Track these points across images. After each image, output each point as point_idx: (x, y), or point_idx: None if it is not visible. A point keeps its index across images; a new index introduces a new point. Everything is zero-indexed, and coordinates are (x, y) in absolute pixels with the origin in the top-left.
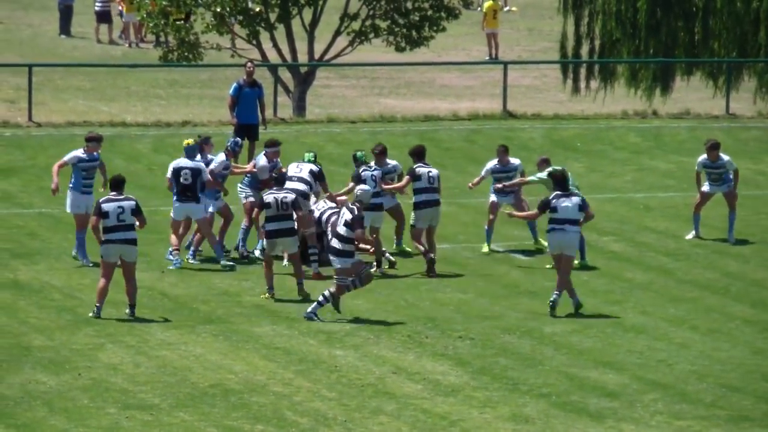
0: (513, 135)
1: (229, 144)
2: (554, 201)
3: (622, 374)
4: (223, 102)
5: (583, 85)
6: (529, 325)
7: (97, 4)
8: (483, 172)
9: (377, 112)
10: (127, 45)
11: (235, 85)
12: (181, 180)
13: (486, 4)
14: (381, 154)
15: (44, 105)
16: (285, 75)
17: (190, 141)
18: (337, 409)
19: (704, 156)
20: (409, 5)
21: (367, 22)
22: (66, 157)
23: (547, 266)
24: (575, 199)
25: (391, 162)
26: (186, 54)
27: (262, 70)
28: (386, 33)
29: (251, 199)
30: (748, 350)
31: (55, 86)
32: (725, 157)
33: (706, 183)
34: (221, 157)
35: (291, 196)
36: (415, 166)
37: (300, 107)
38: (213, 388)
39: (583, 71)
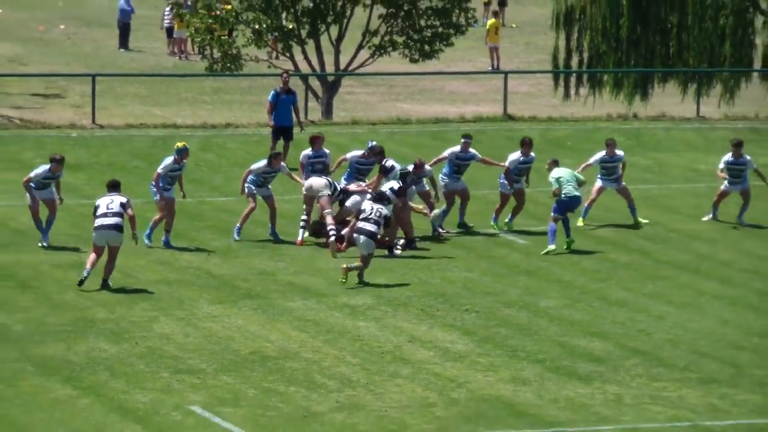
0: (512, 135)
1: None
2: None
3: (607, 342)
4: (260, 107)
5: (573, 91)
6: (526, 300)
7: (165, 21)
8: (508, 163)
9: (394, 116)
10: (177, 57)
11: (273, 92)
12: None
13: (489, 22)
14: (417, 167)
15: (106, 110)
16: (314, 83)
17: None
18: (360, 372)
19: (729, 154)
20: (422, 23)
21: (386, 38)
22: (32, 173)
23: (543, 252)
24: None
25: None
26: (229, 65)
27: (294, 79)
28: (402, 47)
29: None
30: (717, 321)
31: (115, 93)
32: (747, 156)
33: (725, 182)
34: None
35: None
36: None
37: (327, 111)
38: (252, 355)
39: (573, 80)
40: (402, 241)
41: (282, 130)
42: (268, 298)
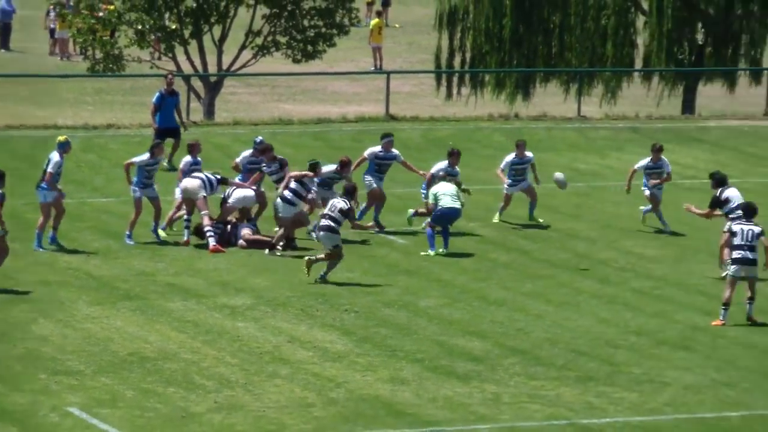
0: (394, 135)
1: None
2: None
3: (485, 341)
4: (143, 107)
5: (455, 91)
6: (406, 299)
7: (49, 22)
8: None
9: (276, 116)
10: (59, 58)
11: (158, 94)
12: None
13: (372, 22)
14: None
15: None
16: (197, 84)
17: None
18: (239, 373)
19: (648, 159)
20: (305, 23)
21: (269, 38)
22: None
23: (422, 253)
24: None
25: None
26: (111, 66)
27: (177, 79)
28: (285, 47)
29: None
30: (594, 319)
31: None
32: (665, 159)
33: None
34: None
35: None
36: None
37: (210, 112)
38: (131, 356)
39: (455, 80)
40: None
41: (168, 132)
42: (148, 299)
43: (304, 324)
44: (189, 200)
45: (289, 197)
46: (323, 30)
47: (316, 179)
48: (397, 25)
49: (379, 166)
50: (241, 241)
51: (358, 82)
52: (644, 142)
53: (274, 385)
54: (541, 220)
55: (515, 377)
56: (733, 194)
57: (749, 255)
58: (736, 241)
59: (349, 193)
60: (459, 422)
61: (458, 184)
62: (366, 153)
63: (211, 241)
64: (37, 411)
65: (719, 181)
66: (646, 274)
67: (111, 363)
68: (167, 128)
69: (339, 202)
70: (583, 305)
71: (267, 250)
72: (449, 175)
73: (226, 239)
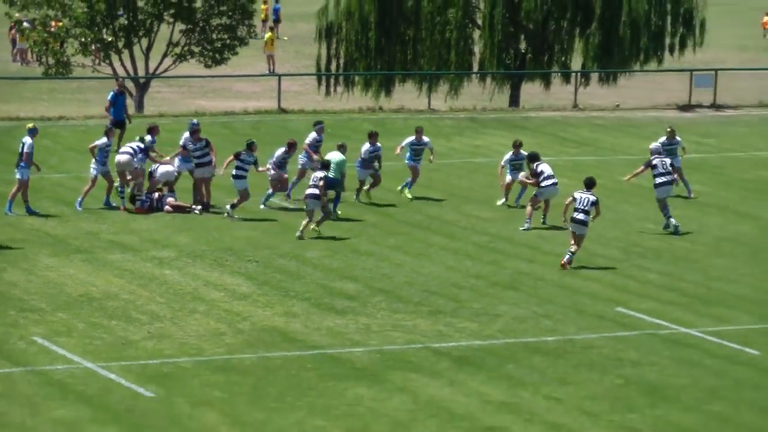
0: (286, 125)
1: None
2: None
3: (358, 284)
4: (87, 103)
5: (332, 89)
6: (296, 252)
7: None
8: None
9: (193, 110)
10: (20, 64)
11: (112, 93)
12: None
13: (266, 35)
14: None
15: None
16: (129, 84)
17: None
18: (166, 309)
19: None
20: (214, 36)
21: (185, 48)
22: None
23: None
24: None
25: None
26: (61, 70)
27: (111, 80)
28: (198, 55)
29: None
30: (443, 267)
31: None
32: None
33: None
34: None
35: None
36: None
37: (140, 106)
38: (81, 297)
39: (332, 80)
40: (200, 206)
41: (118, 123)
42: (94, 253)
43: (217, 271)
44: (123, 173)
45: (235, 173)
46: (228, 42)
47: (274, 158)
48: (285, 38)
49: (317, 149)
50: (167, 207)
51: (256, 83)
52: (480, 128)
53: (194, 319)
54: (409, 196)
55: (381, 311)
56: (545, 168)
57: (582, 217)
58: (576, 205)
59: (325, 166)
60: (338, 346)
61: (378, 158)
62: (308, 140)
63: (137, 204)
64: (9, 339)
65: (533, 157)
66: (483, 231)
67: (66, 302)
68: (118, 120)
69: (320, 173)
70: (434, 256)
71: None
72: (372, 153)
73: (155, 206)
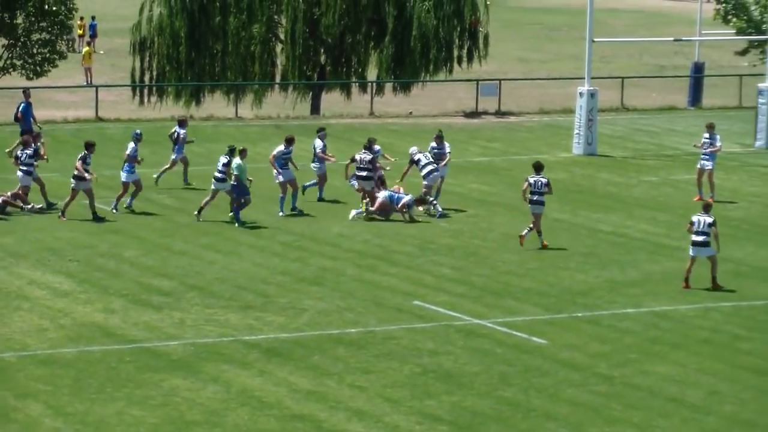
0: (103, 132)
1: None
2: None
3: (172, 281)
4: None
5: (146, 99)
6: (114, 251)
7: None
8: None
9: None
10: None
11: (23, 104)
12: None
13: (84, 49)
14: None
15: None
16: None
17: None
18: None
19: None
20: (35, 50)
21: (8, 61)
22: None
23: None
24: None
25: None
26: None
27: None
28: (20, 68)
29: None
30: (252, 264)
31: None
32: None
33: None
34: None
35: None
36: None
37: None
38: None
39: (146, 91)
40: (35, 206)
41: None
42: None
43: (39, 270)
44: None
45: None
46: (48, 55)
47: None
48: (101, 52)
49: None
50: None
51: (76, 94)
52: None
53: (18, 316)
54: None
55: (195, 306)
56: (422, 157)
57: (537, 198)
58: (531, 189)
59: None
60: (155, 340)
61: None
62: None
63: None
64: None
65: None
66: (289, 230)
67: None
68: (27, 129)
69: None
70: (243, 254)
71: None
72: (285, 155)
73: None
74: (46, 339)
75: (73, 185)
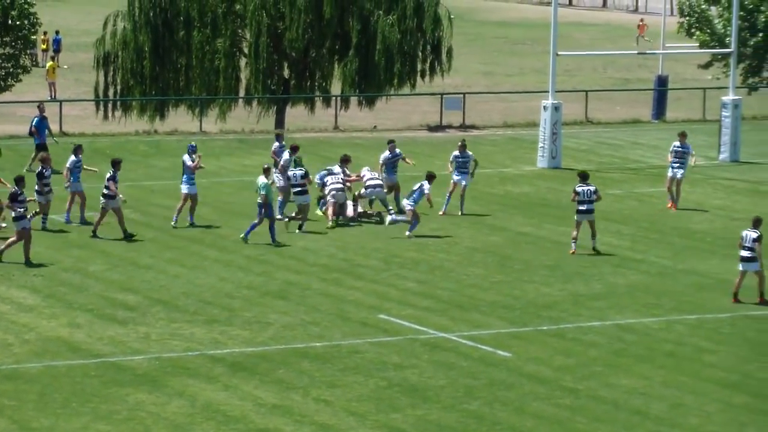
0: (67, 147)
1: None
2: None
3: (138, 295)
4: None
5: (110, 114)
6: (79, 266)
7: None
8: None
9: None
10: None
11: (36, 118)
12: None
13: (48, 64)
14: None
15: None
16: None
17: None
18: None
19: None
20: None
21: None
22: None
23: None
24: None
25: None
26: None
27: None
28: None
29: None
30: (217, 278)
31: None
32: (469, 153)
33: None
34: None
35: None
36: None
37: None
38: None
39: (110, 105)
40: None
41: (42, 146)
42: None
43: (4, 285)
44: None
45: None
46: (11, 70)
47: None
48: (65, 66)
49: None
50: None
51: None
52: (248, 149)
53: None
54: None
55: (160, 321)
56: (366, 172)
57: (587, 207)
58: (580, 197)
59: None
60: (120, 354)
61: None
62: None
63: None
64: None
65: (344, 160)
66: (253, 244)
67: None
68: (42, 144)
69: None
70: (208, 268)
71: None
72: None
73: None
74: (11, 354)
75: (102, 204)
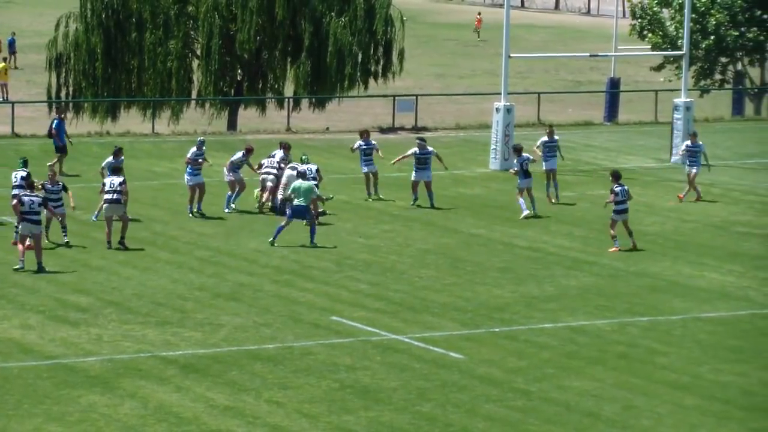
0: (18, 148)
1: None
2: None
3: (89, 297)
4: None
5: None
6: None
7: None
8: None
9: None
10: None
11: (56, 120)
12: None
13: (0, 65)
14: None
15: None
16: None
17: None
18: None
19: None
20: None
21: None
22: None
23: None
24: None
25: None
26: None
27: None
28: None
29: None
30: (169, 280)
31: None
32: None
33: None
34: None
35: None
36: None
37: None
38: None
39: (63, 106)
40: None
41: (62, 148)
42: None
43: None
44: None
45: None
46: None
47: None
48: (18, 68)
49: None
50: None
51: None
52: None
53: None
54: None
55: (112, 322)
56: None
57: (624, 206)
58: (618, 197)
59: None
60: (72, 356)
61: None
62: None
63: None
64: None
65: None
66: (205, 246)
67: None
68: (62, 145)
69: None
70: (160, 270)
71: None
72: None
73: None
74: None
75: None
